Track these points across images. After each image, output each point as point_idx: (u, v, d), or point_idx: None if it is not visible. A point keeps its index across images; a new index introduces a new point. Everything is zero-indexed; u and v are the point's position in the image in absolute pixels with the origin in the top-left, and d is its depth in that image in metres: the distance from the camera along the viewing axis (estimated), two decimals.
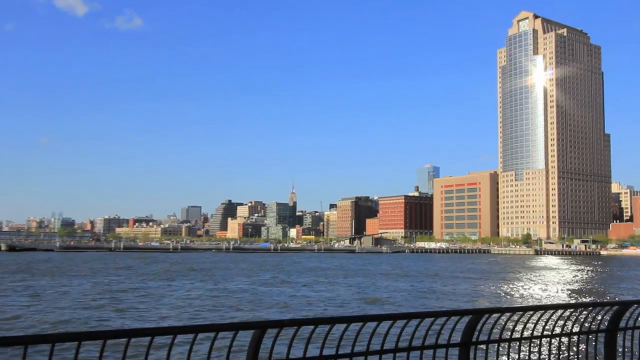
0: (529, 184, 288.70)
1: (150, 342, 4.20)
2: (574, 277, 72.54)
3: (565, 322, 7.16)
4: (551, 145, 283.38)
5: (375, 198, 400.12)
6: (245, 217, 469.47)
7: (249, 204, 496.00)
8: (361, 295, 44.94)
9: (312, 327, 5.01)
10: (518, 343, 6.68)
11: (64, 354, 8.79)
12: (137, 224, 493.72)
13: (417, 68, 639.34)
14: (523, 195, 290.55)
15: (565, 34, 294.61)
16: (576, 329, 7.27)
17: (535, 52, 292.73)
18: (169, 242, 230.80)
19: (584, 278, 70.71)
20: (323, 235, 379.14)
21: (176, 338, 4.34)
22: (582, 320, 7.44)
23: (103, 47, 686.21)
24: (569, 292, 51.84)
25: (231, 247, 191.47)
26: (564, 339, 7.19)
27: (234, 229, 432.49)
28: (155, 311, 34.43)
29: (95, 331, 4.32)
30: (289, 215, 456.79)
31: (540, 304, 7.11)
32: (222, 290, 46.95)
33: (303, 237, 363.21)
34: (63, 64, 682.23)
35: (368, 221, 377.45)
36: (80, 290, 47.15)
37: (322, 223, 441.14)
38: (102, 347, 4.17)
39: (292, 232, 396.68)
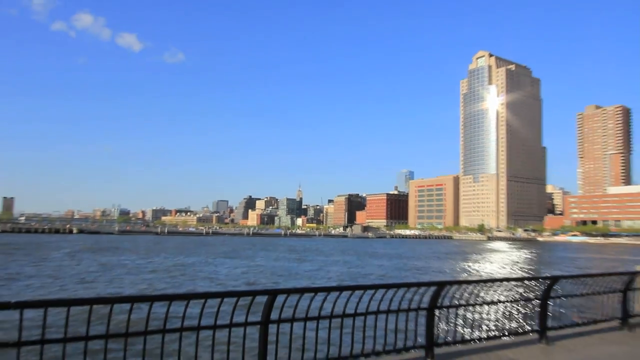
0: (483, 185, 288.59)
1: (186, 305, 4.29)
2: (516, 258, 72.45)
3: (510, 291, 7.25)
4: (501, 155, 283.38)
5: (364, 195, 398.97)
6: (262, 209, 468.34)
7: (265, 199, 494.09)
8: (353, 270, 44.88)
9: (312, 294, 5.10)
10: (472, 307, 6.77)
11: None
12: (177, 213, 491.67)
13: (398, 91, 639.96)
14: (478, 194, 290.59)
15: (513, 68, 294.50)
16: (513, 297, 7.35)
17: (490, 82, 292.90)
18: (202, 228, 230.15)
19: (524, 259, 70.61)
20: (323, 223, 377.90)
21: (207, 302, 4.45)
22: (519, 290, 7.52)
23: (154, 75, 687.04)
24: (511, 268, 51.78)
25: (251, 233, 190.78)
26: (505, 305, 7.28)
27: (253, 218, 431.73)
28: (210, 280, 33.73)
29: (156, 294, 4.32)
30: (296, 208, 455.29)
31: (486, 277, 7.17)
32: (252, 266, 46.60)
33: (307, 225, 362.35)
34: (126, 87, 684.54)
35: (358, 213, 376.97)
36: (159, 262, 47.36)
37: (322, 214, 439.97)
38: (150, 307, 4.21)
39: (299, 221, 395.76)
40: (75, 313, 3.71)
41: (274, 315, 4.85)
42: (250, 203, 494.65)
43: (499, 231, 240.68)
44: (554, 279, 7.80)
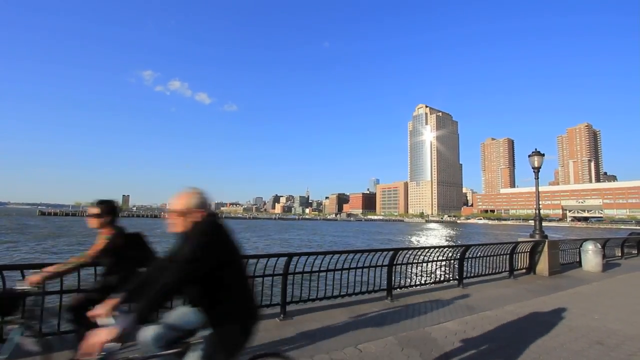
0: (423, 188, 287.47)
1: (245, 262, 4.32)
2: (444, 233, 71.94)
3: (440, 254, 7.27)
4: (434, 168, 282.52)
5: (348, 194, 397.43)
6: (284, 203, 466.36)
7: (286, 196, 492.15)
8: (339, 240, 44.59)
9: (315, 256, 5.13)
10: (416, 265, 6.77)
11: None
12: (230, 205, 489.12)
13: (370, 125, 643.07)
14: (420, 193, 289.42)
15: (440, 115, 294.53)
16: (442, 258, 7.38)
17: (426, 123, 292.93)
18: (246, 214, 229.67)
19: (449, 234, 70.14)
20: (322, 212, 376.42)
21: (248, 261, 4.49)
22: (445, 254, 7.54)
23: (217, 120, 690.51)
24: (440, 239, 51.50)
25: (277, 218, 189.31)
26: (436, 263, 7.27)
27: (278, 208, 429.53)
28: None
29: None
30: (305, 202, 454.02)
31: (425, 245, 7.16)
32: (278, 239, 46.26)
33: (312, 212, 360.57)
34: (201, 127, 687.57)
35: (344, 205, 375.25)
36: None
37: (321, 206, 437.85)
38: None
39: (307, 210, 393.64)
40: None
41: (291, 270, 4.89)
42: (276, 199, 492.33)
43: (433, 217, 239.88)
44: (467, 247, 7.79)
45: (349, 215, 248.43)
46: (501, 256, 8.78)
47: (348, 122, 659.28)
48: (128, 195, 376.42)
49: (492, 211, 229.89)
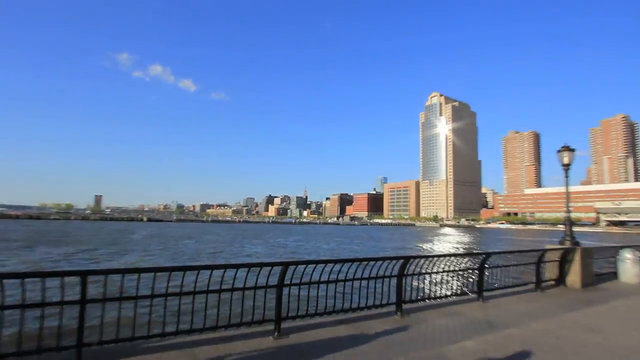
0: (437, 187, 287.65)
1: (223, 272, 4.30)
2: (461, 239, 72.02)
3: (457, 263, 7.20)
4: (449, 166, 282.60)
5: (352, 194, 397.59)
6: (278, 204, 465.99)
7: (281, 197, 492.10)
8: (344, 247, 44.61)
9: (314, 265, 5.07)
10: (429, 275, 6.72)
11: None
12: (218, 207, 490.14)
13: (377, 117, 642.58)
14: (433, 194, 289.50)
15: (457, 105, 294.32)
16: (459, 268, 7.30)
17: (440, 114, 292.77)
18: (235, 217, 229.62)
19: (466, 240, 70.19)
20: (322, 214, 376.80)
21: (238, 270, 4.43)
22: (462, 263, 7.46)
23: (203, 110, 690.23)
24: (456, 246, 51.49)
25: (270, 221, 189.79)
26: (453, 273, 7.21)
27: (272, 211, 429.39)
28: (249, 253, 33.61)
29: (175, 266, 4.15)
30: (303, 203, 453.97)
31: (439, 253, 7.10)
32: (274, 244, 46.27)
33: (310, 215, 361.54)
34: (184, 117, 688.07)
35: (347, 207, 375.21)
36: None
37: (321, 208, 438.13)
38: (183, 276, 4.09)
39: (305, 213, 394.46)
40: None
41: (286, 281, 4.84)
42: (270, 200, 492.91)
43: (448, 220, 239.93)
44: (488, 254, 7.74)
45: (352, 218, 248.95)
46: (526, 265, 8.77)
47: (351, 112, 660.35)
48: (101, 196, 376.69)
49: (516, 214, 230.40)
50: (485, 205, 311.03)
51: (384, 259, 5.85)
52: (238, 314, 4.46)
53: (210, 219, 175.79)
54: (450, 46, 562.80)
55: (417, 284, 6.41)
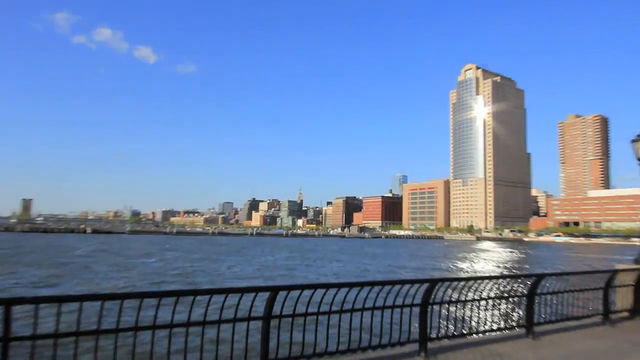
0: (472, 189, 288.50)
1: (192, 300, 4.23)
2: (504, 256, 72.25)
3: (499, 288, 7.17)
4: (488, 160, 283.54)
5: (360, 197, 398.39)
6: (265, 211, 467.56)
7: (268, 201, 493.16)
8: (352, 268, 44.69)
9: (312, 290, 5.02)
10: (463, 304, 6.69)
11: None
12: (186, 214, 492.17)
13: (392, 100, 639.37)
14: (468, 197, 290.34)
15: (498, 80, 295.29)
16: (501, 294, 7.28)
17: (477, 93, 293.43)
18: (209, 228, 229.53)
19: (512, 257, 70.44)
20: (322, 224, 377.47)
21: (212, 297, 4.38)
22: (506, 287, 7.45)
23: (166, 85, 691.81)
24: (500, 266, 51.58)
25: (254, 233, 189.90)
26: (494, 301, 7.20)
27: (256, 219, 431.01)
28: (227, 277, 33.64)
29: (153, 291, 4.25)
30: (297, 210, 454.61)
31: (476, 275, 7.07)
32: (262, 265, 46.38)
33: (307, 225, 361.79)
34: (141, 95, 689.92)
35: (355, 214, 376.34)
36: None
37: (321, 215, 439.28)
38: (176, 302, 4.16)
39: (299, 222, 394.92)
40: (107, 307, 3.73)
41: (276, 311, 4.79)
42: (253, 205, 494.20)
43: (487, 232, 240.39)
44: (540, 277, 7.75)
45: (361, 229, 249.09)
46: (591, 291, 8.79)
47: (361, 92, 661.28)
48: (30, 200, 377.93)
49: (576, 224, 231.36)
50: (536, 212, 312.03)
51: (403, 282, 5.82)
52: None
53: (175, 230, 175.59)
54: (489, 4, 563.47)
55: (446, 314, 6.38)
